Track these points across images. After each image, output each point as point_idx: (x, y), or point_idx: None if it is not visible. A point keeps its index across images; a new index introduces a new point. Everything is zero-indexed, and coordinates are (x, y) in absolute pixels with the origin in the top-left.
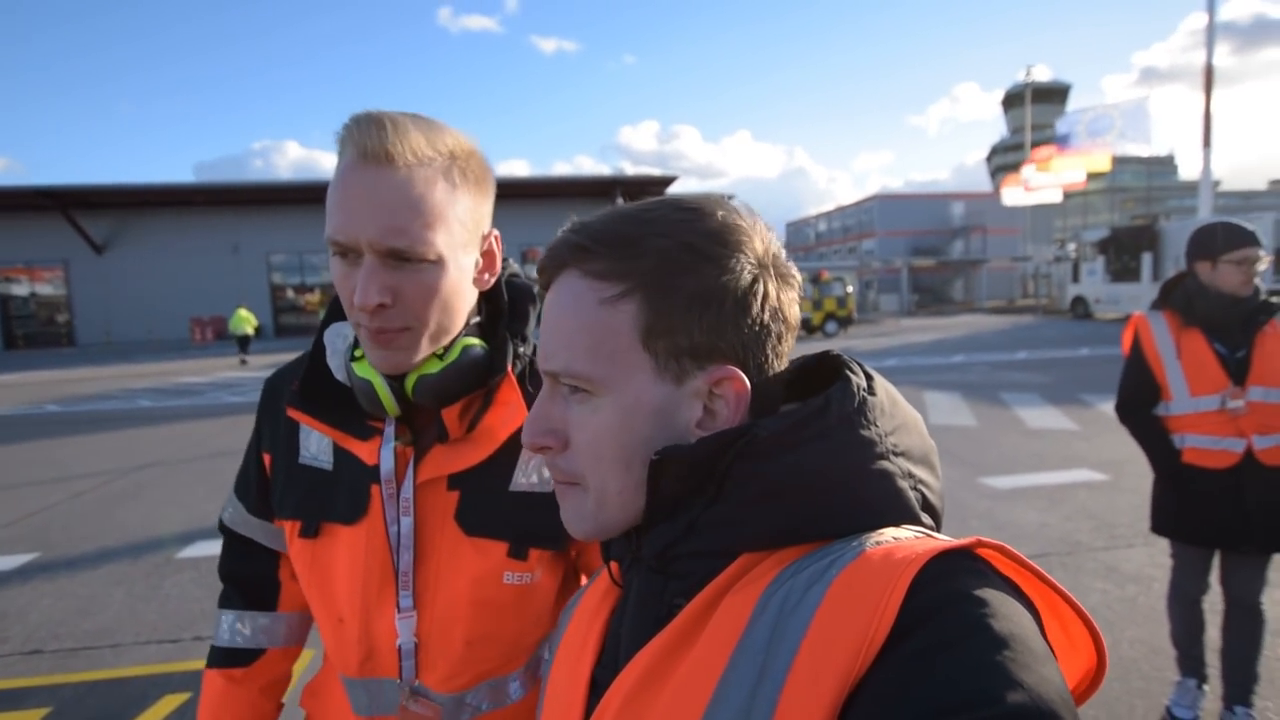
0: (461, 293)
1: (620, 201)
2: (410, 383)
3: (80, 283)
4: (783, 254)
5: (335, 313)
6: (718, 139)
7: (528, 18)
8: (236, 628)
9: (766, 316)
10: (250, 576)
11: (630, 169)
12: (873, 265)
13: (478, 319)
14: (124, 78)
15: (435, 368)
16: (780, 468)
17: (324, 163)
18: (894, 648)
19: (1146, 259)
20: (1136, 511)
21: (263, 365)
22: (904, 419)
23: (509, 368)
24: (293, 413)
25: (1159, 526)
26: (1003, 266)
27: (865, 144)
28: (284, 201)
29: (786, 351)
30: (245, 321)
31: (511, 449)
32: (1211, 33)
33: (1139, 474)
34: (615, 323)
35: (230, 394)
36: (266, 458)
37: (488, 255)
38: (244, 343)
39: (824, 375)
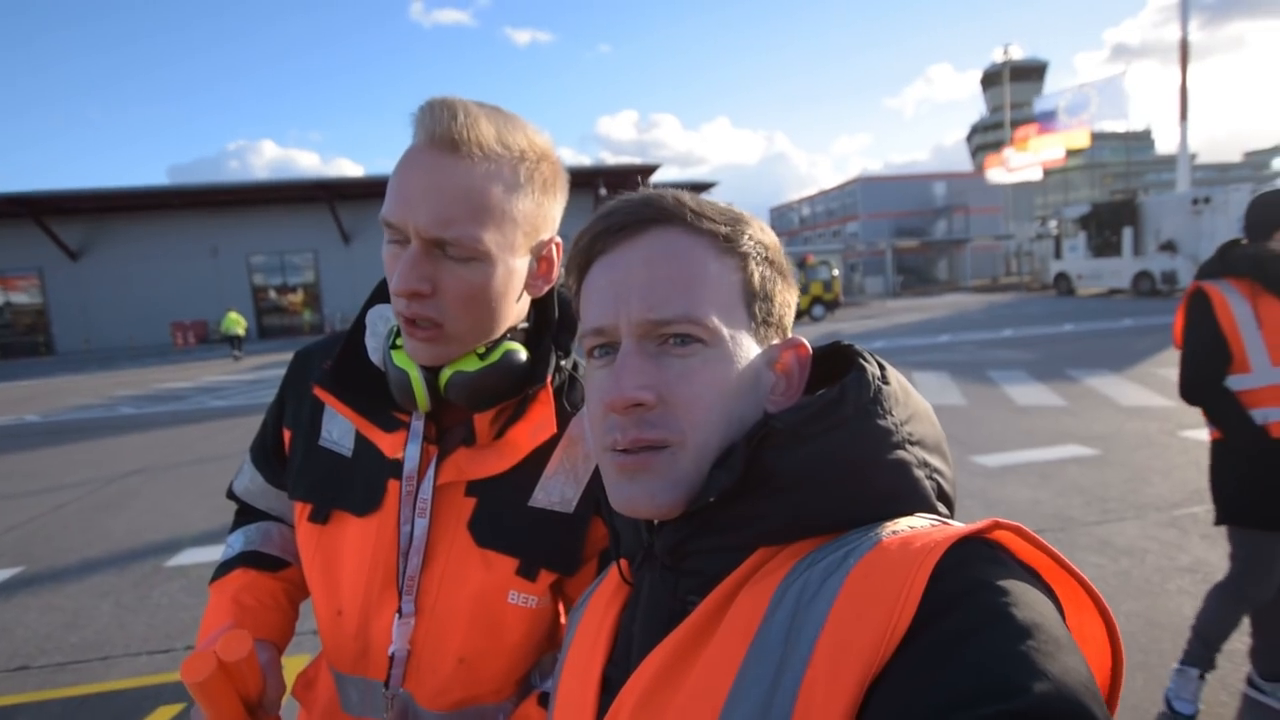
0: (507, 296)
1: (603, 192)
2: (445, 378)
3: (56, 290)
4: None
5: (378, 297)
6: (697, 126)
7: (500, 9)
8: (269, 533)
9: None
10: (270, 515)
11: (610, 159)
12: (857, 248)
13: (524, 325)
14: (92, 83)
15: (473, 366)
16: (797, 460)
17: (301, 161)
18: (916, 637)
19: (1127, 233)
20: (1126, 485)
21: (252, 365)
22: (916, 408)
23: (548, 379)
24: (320, 392)
25: (1236, 515)
26: (986, 245)
27: (843, 127)
28: (263, 202)
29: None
30: (236, 324)
31: (536, 463)
32: (1185, 7)
33: (1127, 448)
34: (732, 280)
35: (214, 398)
36: (286, 433)
37: (545, 261)
38: (235, 342)
39: (836, 366)
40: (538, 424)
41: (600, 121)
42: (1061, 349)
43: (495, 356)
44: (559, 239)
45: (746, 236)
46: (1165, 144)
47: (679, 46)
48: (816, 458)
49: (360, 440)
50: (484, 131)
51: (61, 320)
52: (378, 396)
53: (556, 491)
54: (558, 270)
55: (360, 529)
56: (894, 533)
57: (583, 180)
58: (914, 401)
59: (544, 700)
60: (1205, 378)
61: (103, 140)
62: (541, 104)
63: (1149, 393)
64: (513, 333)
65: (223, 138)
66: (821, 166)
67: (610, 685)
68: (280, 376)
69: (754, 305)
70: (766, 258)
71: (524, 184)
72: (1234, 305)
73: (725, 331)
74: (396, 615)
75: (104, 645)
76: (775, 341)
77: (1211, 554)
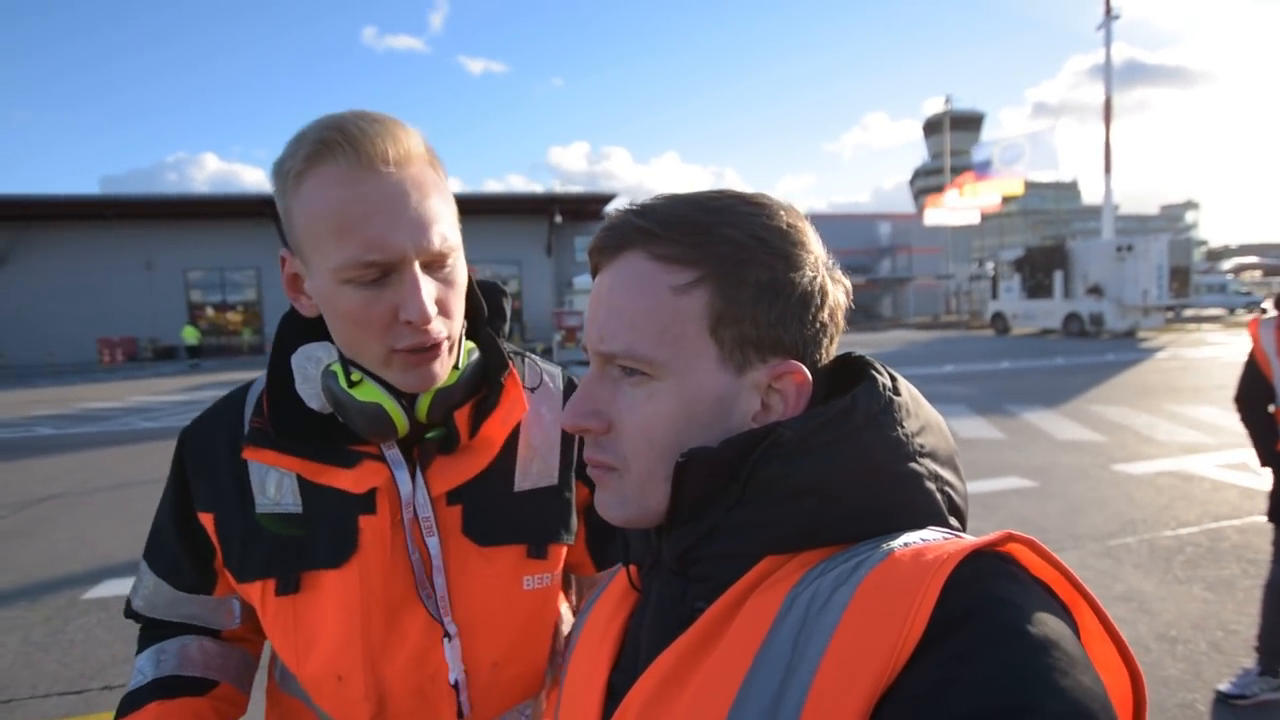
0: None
1: (559, 220)
2: (428, 400)
3: None
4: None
5: (289, 337)
6: (647, 160)
7: (454, 39)
8: (186, 652)
9: (825, 315)
10: (186, 630)
11: (559, 188)
12: None
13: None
14: (21, 85)
15: (452, 379)
16: (806, 468)
17: (245, 177)
18: (929, 650)
19: (1058, 277)
20: (1064, 516)
21: (184, 385)
22: (928, 420)
23: (510, 366)
24: (254, 453)
25: (1269, 512)
26: (928, 284)
27: (787, 167)
28: (203, 216)
29: (832, 354)
30: (191, 335)
31: (507, 451)
32: (1109, 71)
33: (1064, 479)
34: (685, 308)
35: (143, 419)
36: (207, 519)
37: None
38: (193, 352)
39: (847, 377)
40: (509, 408)
41: (552, 151)
42: (1000, 384)
43: (464, 361)
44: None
45: (716, 251)
46: (1089, 195)
47: (630, 83)
48: (825, 467)
49: (309, 490)
50: (409, 137)
51: None
52: (323, 438)
53: (536, 469)
54: None
55: (339, 581)
56: (906, 544)
57: (539, 207)
58: (925, 413)
59: None
60: (1245, 396)
61: (30, 145)
62: (495, 132)
63: (1082, 428)
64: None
65: (161, 149)
66: None
67: (615, 692)
68: (215, 397)
69: (720, 330)
70: (741, 274)
71: (444, 177)
72: (1264, 337)
73: (674, 364)
74: (445, 640)
75: (8, 686)
76: (765, 363)
77: (1145, 583)
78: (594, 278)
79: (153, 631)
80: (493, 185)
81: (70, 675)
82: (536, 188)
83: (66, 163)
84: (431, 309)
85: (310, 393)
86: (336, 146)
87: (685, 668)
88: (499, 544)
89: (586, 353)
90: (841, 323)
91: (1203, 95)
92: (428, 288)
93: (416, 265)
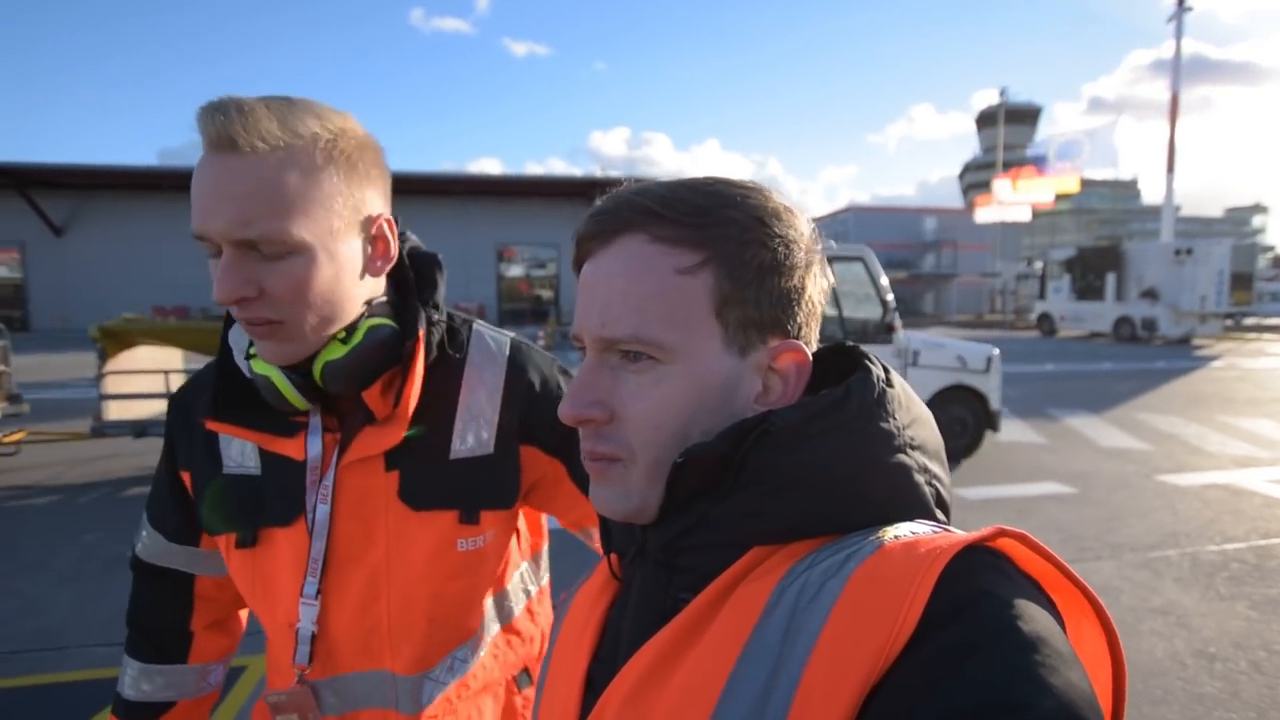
0: (341, 281)
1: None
2: (318, 371)
3: (37, 266)
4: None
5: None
6: (688, 147)
7: (499, 21)
8: (141, 684)
9: (817, 297)
10: (159, 626)
11: (599, 173)
12: None
13: (384, 299)
14: (88, 61)
15: (339, 352)
16: (798, 459)
17: None
18: (920, 644)
19: (1110, 279)
20: (1103, 524)
21: None
22: (919, 413)
23: (419, 333)
24: (210, 424)
25: None
26: (972, 281)
27: (830, 158)
28: None
29: (815, 335)
30: None
31: (445, 419)
32: (1177, 65)
33: (1105, 487)
34: (691, 291)
35: None
36: (185, 475)
37: (380, 241)
38: None
39: (839, 368)
40: (418, 378)
41: (592, 136)
42: (1042, 388)
43: (358, 337)
44: (389, 217)
45: (720, 232)
46: (1149, 195)
47: (673, 69)
48: (817, 457)
49: (266, 454)
50: (263, 123)
51: (40, 297)
52: (269, 409)
53: (470, 438)
54: (395, 247)
55: (290, 538)
56: (896, 537)
57: (579, 190)
58: (916, 406)
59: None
60: None
61: (93, 118)
62: (536, 114)
63: (1127, 435)
64: (371, 308)
65: None
66: (813, 194)
67: (595, 684)
68: None
69: (726, 312)
70: (745, 255)
71: (322, 166)
72: None
73: (682, 347)
74: (299, 597)
75: (60, 636)
76: (766, 344)
77: (1185, 597)
78: (579, 265)
79: (144, 587)
80: (533, 168)
81: (119, 627)
82: (576, 172)
83: (127, 136)
84: (236, 290)
85: (243, 365)
86: (200, 125)
87: (669, 660)
88: (432, 509)
89: (579, 343)
90: (823, 306)
91: (1272, 93)
92: (242, 270)
93: (230, 249)
